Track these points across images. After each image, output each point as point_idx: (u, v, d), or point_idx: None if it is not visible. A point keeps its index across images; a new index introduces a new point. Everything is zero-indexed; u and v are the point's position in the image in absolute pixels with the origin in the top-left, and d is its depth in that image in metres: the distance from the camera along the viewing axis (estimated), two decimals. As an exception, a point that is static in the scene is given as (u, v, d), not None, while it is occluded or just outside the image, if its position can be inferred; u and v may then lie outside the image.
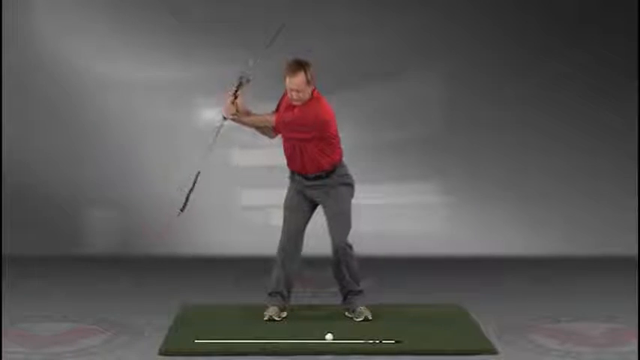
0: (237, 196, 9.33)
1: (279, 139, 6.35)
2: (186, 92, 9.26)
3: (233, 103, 6.17)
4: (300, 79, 6.06)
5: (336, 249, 6.27)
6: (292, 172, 6.37)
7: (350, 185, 6.32)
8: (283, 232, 6.36)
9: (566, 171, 9.30)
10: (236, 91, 6.17)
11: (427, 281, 8.05)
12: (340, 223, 6.26)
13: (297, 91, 6.08)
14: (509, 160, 9.32)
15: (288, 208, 6.36)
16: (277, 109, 6.30)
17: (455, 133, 9.31)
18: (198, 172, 6.18)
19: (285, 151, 6.32)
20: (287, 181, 6.44)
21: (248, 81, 6.16)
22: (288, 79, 6.09)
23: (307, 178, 6.28)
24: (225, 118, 6.21)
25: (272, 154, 9.03)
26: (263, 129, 6.32)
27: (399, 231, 9.06)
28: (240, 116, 6.20)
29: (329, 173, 6.26)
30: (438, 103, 9.33)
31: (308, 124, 6.13)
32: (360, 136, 8.99)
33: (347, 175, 6.32)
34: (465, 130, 9.31)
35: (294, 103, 6.14)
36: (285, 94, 6.26)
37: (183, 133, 9.27)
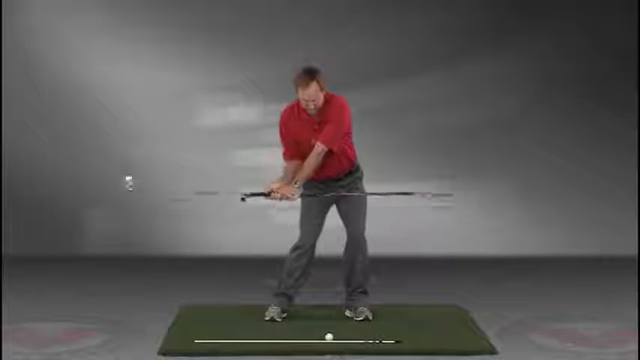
0: (236, 196, 9.31)
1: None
2: (186, 92, 9.26)
3: (281, 191, 6.10)
4: (313, 89, 6.01)
5: (355, 241, 6.27)
6: (313, 180, 6.26)
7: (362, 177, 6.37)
8: (303, 237, 6.29)
9: (567, 171, 9.31)
10: (266, 195, 6.12)
11: (427, 281, 8.05)
12: (361, 215, 6.27)
13: (313, 100, 6.04)
14: (509, 160, 9.32)
15: (309, 214, 6.28)
16: (286, 133, 6.17)
17: (455, 134, 9.31)
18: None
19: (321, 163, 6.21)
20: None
21: (243, 199, 6.10)
22: (301, 92, 6.03)
23: (340, 179, 6.25)
24: (300, 195, 6.16)
25: (272, 154, 9.05)
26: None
27: (398, 231, 9.05)
28: (297, 180, 6.11)
29: (354, 165, 6.29)
30: (439, 103, 9.34)
31: (345, 120, 6.13)
32: (360, 135, 8.99)
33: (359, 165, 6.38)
34: (466, 131, 9.31)
35: (311, 112, 6.10)
36: (284, 116, 6.20)
37: (183, 132, 9.28)
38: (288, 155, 6.25)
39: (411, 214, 9.23)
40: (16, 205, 9.14)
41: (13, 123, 9.15)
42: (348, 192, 6.25)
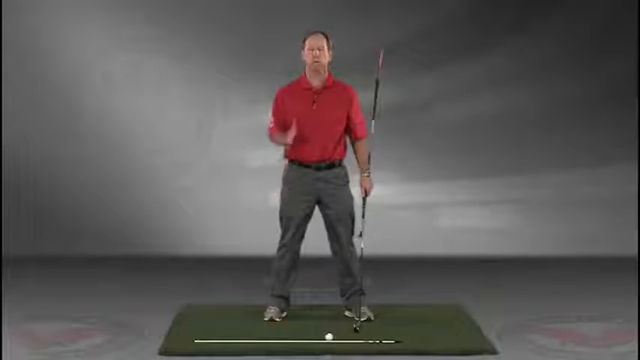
0: (237, 196, 9.32)
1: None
2: (188, 93, 9.26)
3: (370, 189, 6.24)
4: (321, 38, 6.07)
5: (347, 249, 6.27)
6: (300, 165, 6.21)
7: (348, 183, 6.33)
8: (292, 234, 6.28)
9: (566, 171, 9.30)
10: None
11: (427, 281, 8.05)
12: (350, 221, 6.27)
13: (319, 49, 6.05)
14: (509, 160, 9.32)
15: (294, 215, 6.26)
16: (280, 108, 6.15)
17: (452, 134, 9.31)
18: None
19: (304, 139, 6.13)
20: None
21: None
22: (308, 41, 6.06)
23: (319, 168, 6.17)
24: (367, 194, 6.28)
25: (272, 154, 9.05)
26: None
27: (398, 231, 9.06)
28: (367, 170, 6.23)
29: (340, 163, 6.22)
30: (438, 100, 9.35)
31: (350, 92, 6.16)
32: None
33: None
34: (464, 130, 9.30)
35: (315, 63, 6.06)
36: (284, 89, 6.19)
37: (184, 133, 9.28)
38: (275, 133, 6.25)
39: (411, 214, 9.26)
40: (16, 205, 9.14)
41: (14, 123, 9.15)
42: (332, 193, 6.20)
